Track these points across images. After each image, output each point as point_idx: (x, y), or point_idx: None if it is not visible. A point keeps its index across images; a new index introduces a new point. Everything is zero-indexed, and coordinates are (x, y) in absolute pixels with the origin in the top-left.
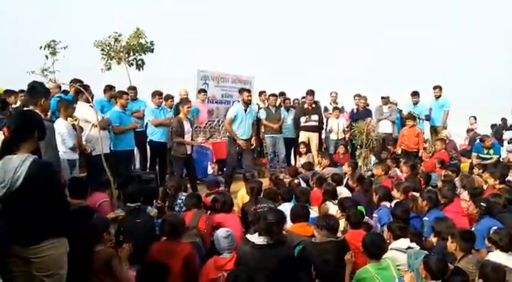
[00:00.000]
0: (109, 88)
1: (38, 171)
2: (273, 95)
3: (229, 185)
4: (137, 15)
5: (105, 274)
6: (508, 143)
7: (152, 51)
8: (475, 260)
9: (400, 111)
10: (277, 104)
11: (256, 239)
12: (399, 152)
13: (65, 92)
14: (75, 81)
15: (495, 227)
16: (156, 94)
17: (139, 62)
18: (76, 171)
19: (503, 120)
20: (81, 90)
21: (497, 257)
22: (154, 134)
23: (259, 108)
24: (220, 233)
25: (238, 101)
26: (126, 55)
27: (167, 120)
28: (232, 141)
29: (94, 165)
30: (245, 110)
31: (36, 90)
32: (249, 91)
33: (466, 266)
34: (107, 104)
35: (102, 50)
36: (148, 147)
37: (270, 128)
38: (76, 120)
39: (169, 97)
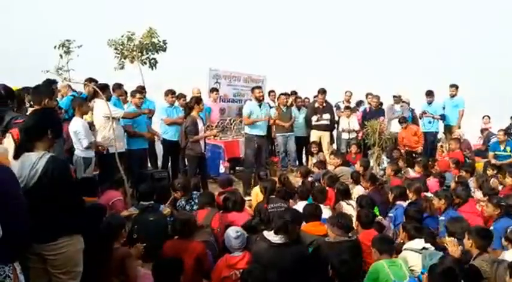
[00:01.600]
0: (118, 86)
1: (54, 168)
2: (284, 94)
3: (249, 186)
4: (150, 14)
5: (119, 272)
6: None
7: (165, 50)
8: (491, 259)
9: (412, 110)
10: (289, 103)
11: (272, 237)
12: (403, 152)
13: (77, 92)
14: (90, 80)
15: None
16: (169, 93)
17: (152, 61)
18: (90, 169)
19: None
20: (97, 91)
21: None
22: (167, 133)
23: (270, 107)
24: (231, 232)
25: (251, 100)
26: (139, 54)
27: (180, 119)
28: (249, 141)
29: (107, 164)
30: (259, 106)
31: (40, 91)
32: (259, 88)
33: (481, 265)
34: (118, 102)
35: (116, 48)
36: (161, 145)
37: (281, 127)
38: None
39: (181, 96)
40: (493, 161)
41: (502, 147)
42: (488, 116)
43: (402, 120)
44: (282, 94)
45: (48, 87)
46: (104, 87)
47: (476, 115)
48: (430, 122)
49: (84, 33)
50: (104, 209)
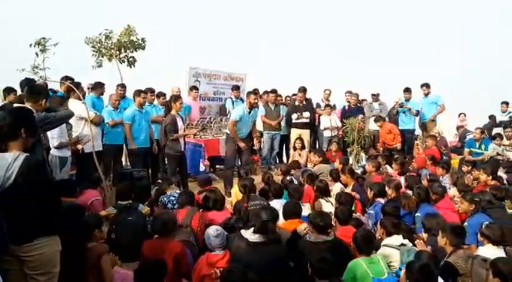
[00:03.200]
0: (99, 85)
1: (30, 169)
2: (273, 91)
3: (231, 185)
4: (128, 11)
5: (98, 270)
6: (493, 138)
7: (144, 48)
8: (465, 255)
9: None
10: (276, 101)
11: (250, 235)
12: (381, 150)
13: (52, 91)
14: (66, 78)
15: (486, 222)
16: (148, 91)
17: (131, 59)
18: (66, 169)
19: (492, 117)
20: (72, 88)
21: (487, 250)
22: None
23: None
24: (211, 231)
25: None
26: (117, 52)
27: (159, 118)
28: (230, 141)
29: (84, 163)
30: (249, 112)
31: (39, 91)
32: (256, 94)
33: (456, 261)
34: (97, 101)
35: (93, 47)
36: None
37: (269, 124)
38: None
39: (161, 94)
40: (468, 158)
41: (477, 145)
42: (464, 114)
43: (377, 119)
44: (270, 92)
45: (45, 88)
46: (76, 86)
47: (453, 112)
48: (404, 112)
49: (60, 31)
50: (83, 209)
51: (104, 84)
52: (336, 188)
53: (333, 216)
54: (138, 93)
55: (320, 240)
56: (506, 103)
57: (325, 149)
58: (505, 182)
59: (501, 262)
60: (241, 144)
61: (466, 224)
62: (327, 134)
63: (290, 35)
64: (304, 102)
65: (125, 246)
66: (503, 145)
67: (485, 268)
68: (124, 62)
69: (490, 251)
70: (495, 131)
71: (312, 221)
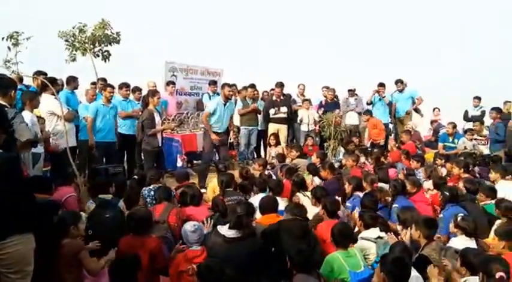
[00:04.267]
0: (72, 79)
1: (2, 165)
2: (251, 86)
3: (204, 179)
4: (104, 5)
5: (74, 266)
6: (465, 132)
7: (119, 42)
8: (438, 247)
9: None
10: (254, 96)
11: (226, 231)
12: (368, 144)
13: (25, 86)
14: (39, 73)
15: (461, 214)
16: (124, 86)
17: (105, 54)
18: (39, 165)
19: (465, 112)
20: (46, 83)
21: (459, 241)
22: (122, 127)
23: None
24: (188, 227)
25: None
26: (92, 46)
27: (135, 113)
28: (208, 136)
29: (58, 159)
30: (224, 104)
31: (6, 82)
32: (230, 86)
33: (430, 254)
34: (71, 95)
35: (67, 40)
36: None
37: (246, 120)
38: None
39: (137, 89)
40: (442, 152)
41: (450, 139)
42: (439, 108)
43: (365, 113)
44: (248, 87)
45: (12, 78)
46: (52, 81)
47: (427, 107)
48: (380, 99)
49: (33, 24)
50: (58, 206)
51: (77, 78)
52: (314, 181)
53: (315, 209)
54: (104, 87)
55: (292, 218)
56: (479, 98)
57: (302, 144)
58: (477, 175)
59: (471, 254)
60: (213, 137)
61: (440, 215)
62: (304, 128)
63: (269, 30)
64: (282, 97)
65: (102, 242)
66: (476, 139)
67: (457, 259)
68: (98, 56)
69: (463, 243)
70: (467, 125)
71: (290, 211)
